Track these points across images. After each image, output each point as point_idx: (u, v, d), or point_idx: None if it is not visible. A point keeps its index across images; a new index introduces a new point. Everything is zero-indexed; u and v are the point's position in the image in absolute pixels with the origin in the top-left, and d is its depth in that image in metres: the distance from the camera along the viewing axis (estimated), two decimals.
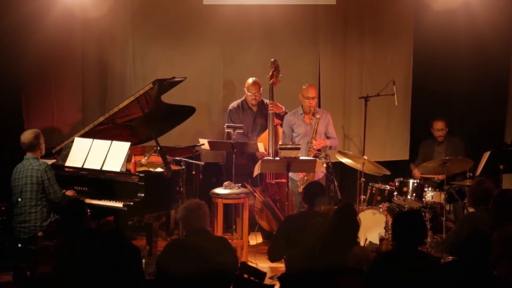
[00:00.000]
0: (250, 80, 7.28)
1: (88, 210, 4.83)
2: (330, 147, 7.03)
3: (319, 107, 7.83)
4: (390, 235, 6.10)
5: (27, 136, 5.91)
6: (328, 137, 7.03)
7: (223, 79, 8.10)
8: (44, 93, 7.78)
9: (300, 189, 6.71)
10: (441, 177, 7.02)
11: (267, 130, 7.18)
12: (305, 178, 6.75)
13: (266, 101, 7.31)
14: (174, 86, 6.73)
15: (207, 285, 4.20)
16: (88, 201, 5.93)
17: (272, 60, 7.22)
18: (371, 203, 7.17)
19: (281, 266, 5.54)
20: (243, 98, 7.40)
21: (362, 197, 7.14)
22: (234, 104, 7.40)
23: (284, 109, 7.30)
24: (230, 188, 6.50)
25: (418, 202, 6.95)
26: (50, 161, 6.12)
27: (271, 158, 6.73)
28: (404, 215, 4.32)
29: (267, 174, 7.18)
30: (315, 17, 8.14)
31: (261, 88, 7.28)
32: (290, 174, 6.64)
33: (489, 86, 8.27)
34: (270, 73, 7.19)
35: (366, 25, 8.21)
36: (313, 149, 6.78)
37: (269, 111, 7.15)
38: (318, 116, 6.82)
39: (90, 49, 7.86)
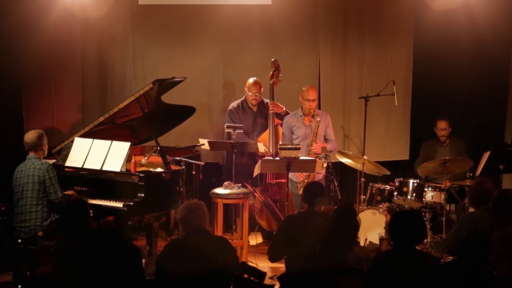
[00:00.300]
0: (251, 80, 7.27)
1: (91, 211, 4.83)
2: (330, 151, 7.01)
3: (319, 107, 7.83)
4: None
5: (30, 136, 5.92)
6: (326, 139, 7.02)
7: (223, 79, 8.10)
8: (44, 93, 7.78)
9: (300, 191, 6.71)
10: (447, 184, 7.04)
11: (268, 130, 7.17)
12: (305, 181, 6.72)
13: (266, 100, 7.30)
14: (174, 86, 6.72)
15: (207, 285, 4.20)
16: (88, 201, 5.92)
17: (273, 60, 7.22)
18: (371, 203, 7.17)
19: (281, 266, 5.53)
20: (243, 98, 7.39)
21: (362, 197, 7.14)
22: (234, 104, 7.39)
23: (284, 109, 7.30)
24: (230, 188, 6.49)
25: (418, 202, 6.94)
26: (50, 161, 6.12)
27: (271, 158, 6.72)
28: (401, 215, 4.31)
29: (267, 174, 7.17)
30: (315, 17, 8.14)
31: (262, 88, 7.28)
32: (290, 175, 6.63)
33: (489, 86, 8.27)
34: (271, 73, 7.19)
35: (366, 25, 8.21)
36: (313, 152, 6.76)
37: (270, 111, 7.14)
38: (318, 119, 6.80)
39: (90, 49, 7.86)
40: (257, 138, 7.24)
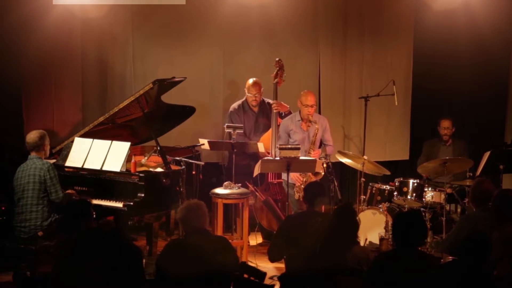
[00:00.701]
0: (251, 80, 7.27)
1: (94, 212, 4.82)
2: (328, 155, 6.99)
3: (319, 107, 7.83)
4: (390, 235, 6.10)
5: (32, 136, 5.93)
6: (324, 144, 6.99)
7: (223, 79, 8.09)
8: (44, 93, 7.77)
9: (297, 196, 6.71)
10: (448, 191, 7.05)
11: (270, 130, 7.15)
12: (302, 186, 6.66)
13: (268, 100, 7.29)
14: (174, 86, 6.72)
15: (207, 285, 4.20)
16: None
17: (277, 59, 7.17)
18: (371, 203, 7.17)
19: (284, 266, 5.53)
20: (243, 99, 7.38)
21: (362, 197, 7.14)
22: (235, 105, 7.38)
23: (289, 108, 7.27)
24: (230, 188, 6.49)
25: (418, 202, 6.95)
26: (51, 161, 6.12)
27: (271, 158, 6.71)
28: (404, 215, 4.32)
29: (269, 174, 7.17)
30: (315, 17, 8.14)
31: (262, 89, 7.27)
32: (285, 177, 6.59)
33: (489, 86, 8.28)
34: (275, 73, 7.14)
35: (366, 25, 8.22)
36: None
37: (274, 110, 7.10)
38: (317, 126, 6.77)
39: (90, 49, 7.85)
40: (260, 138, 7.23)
